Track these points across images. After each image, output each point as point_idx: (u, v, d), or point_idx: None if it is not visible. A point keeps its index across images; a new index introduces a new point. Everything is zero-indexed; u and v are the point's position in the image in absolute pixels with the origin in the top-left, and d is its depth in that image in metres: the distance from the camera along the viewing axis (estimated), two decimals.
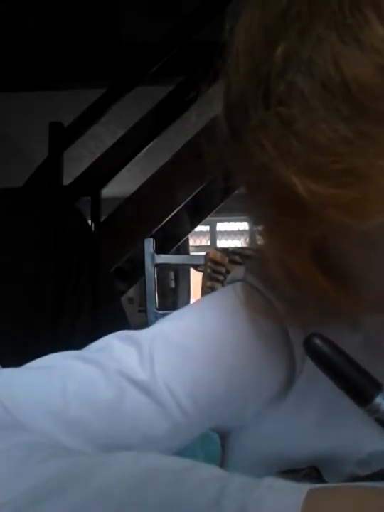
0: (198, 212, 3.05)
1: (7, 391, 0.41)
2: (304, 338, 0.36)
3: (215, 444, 0.52)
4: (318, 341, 0.36)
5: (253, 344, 0.44)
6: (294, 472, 0.43)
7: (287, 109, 0.31)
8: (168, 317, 0.47)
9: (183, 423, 0.43)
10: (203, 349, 0.44)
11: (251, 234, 0.42)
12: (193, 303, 0.51)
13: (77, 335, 0.83)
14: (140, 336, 0.44)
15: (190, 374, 0.43)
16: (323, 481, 0.43)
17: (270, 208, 0.35)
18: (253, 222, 0.40)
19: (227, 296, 0.46)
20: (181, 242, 3.15)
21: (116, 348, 0.43)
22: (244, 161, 0.35)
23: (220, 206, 3.12)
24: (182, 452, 0.44)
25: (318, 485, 0.30)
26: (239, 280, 0.47)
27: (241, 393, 0.44)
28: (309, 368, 0.42)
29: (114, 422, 0.41)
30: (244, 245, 0.51)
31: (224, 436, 0.50)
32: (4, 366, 0.43)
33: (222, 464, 0.50)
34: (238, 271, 0.48)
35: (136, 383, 0.42)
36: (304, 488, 0.28)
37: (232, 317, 0.44)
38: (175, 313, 0.48)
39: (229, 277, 0.49)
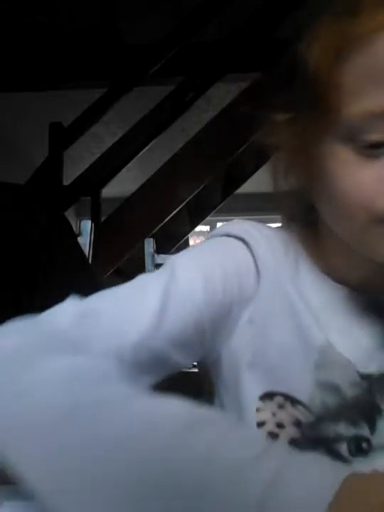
0: (198, 212, 3.05)
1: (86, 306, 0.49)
2: None
3: None
4: None
5: (238, 261, 0.56)
6: (270, 397, 0.52)
7: None
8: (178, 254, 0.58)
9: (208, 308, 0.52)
10: (210, 262, 0.55)
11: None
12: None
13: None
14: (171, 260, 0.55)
15: (203, 274, 0.53)
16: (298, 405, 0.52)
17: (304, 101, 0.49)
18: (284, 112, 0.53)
19: (219, 238, 0.59)
20: (181, 242, 3.15)
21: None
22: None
23: (220, 206, 3.13)
24: None
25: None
26: (224, 235, 0.59)
27: (231, 292, 0.54)
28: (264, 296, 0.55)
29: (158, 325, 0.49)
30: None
31: (211, 370, 0.58)
32: None
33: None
34: (219, 228, 0.61)
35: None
36: (347, 469, 0.30)
37: (224, 246, 0.58)
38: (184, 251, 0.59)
39: (214, 232, 0.61)
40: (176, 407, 0.35)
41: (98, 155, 2.89)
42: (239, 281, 0.54)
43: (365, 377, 0.53)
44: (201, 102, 2.91)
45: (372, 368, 0.53)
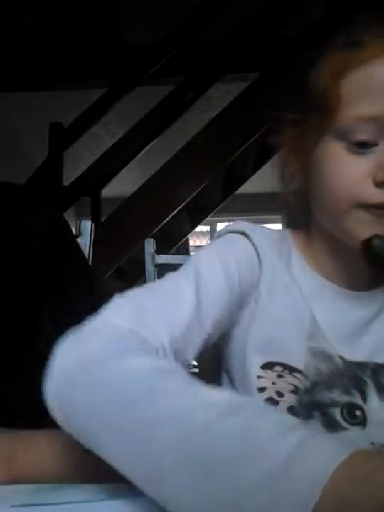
0: (198, 212, 3.05)
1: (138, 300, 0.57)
2: (364, 239, 0.57)
3: None
4: (377, 242, 0.56)
5: (244, 250, 0.65)
6: (270, 367, 0.61)
7: None
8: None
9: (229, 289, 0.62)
10: (223, 254, 0.64)
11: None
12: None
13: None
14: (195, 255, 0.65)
15: (221, 263, 0.63)
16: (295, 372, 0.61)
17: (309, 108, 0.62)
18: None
19: (224, 236, 0.69)
20: (181, 242, 3.15)
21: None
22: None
23: (220, 206, 3.13)
24: None
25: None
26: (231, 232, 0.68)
27: (244, 276, 0.63)
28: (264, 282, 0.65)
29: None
30: None
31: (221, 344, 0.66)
32: None
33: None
34: (222, 229, 0.69)
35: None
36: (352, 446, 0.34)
37: (231, 239, 0.67)
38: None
39: (218, 232, 0.70)
40: (224, 393, 0.42)
41: (98, 155, 2.89)
42: (247, 265, 0.64)
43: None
44: (201, 102, 2.91)
45: (346, 355, 0.62)
